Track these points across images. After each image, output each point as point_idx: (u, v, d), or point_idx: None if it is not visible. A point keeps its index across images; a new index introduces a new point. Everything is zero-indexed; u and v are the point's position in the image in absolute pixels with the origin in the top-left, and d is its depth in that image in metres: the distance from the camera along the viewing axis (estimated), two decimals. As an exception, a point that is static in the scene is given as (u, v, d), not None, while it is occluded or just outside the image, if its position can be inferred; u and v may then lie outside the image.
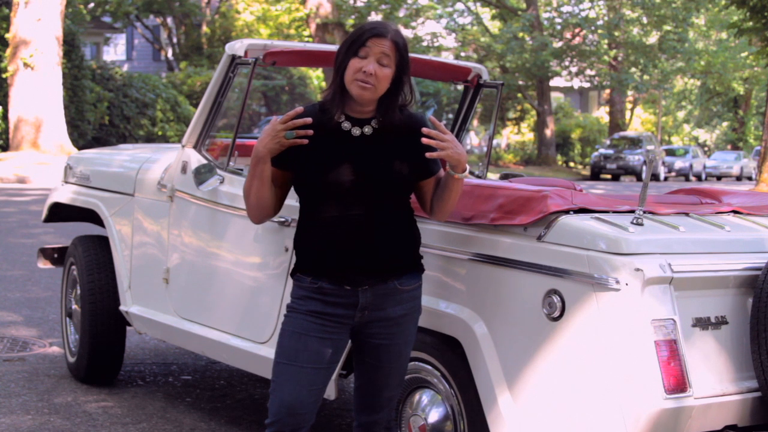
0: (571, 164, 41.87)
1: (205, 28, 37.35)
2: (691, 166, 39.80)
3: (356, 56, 2.90)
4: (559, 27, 37.10)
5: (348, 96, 2.95)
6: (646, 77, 37.26)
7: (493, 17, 40.79)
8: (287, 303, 3.04)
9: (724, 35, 42.68)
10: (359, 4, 33.41)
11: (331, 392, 3.64)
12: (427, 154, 2.90)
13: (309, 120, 2.89)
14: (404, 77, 2.97)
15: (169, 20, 38.44)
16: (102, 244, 5.19)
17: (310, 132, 2.90)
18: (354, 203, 2.93)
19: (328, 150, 2.94)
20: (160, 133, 25.77)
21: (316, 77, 35.03)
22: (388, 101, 2.97)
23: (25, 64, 21.00)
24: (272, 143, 2.90)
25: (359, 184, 2.93)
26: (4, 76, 21.64)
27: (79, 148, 21.41)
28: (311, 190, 2.97)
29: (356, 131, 2.98)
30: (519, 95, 38.91)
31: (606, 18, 37.40)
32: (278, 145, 2.90)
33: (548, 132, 37.25)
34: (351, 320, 2.99)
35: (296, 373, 2.94)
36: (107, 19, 36.99)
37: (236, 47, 4.29)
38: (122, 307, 4.91)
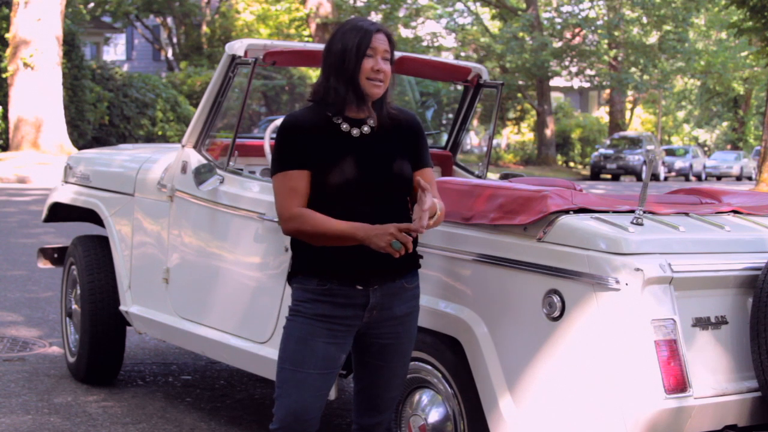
0: (571, 164, 41.85)
1: (205, 28, 37.33)
2: (691, 166, 39.78)
3: (366, 56, 2.92)
4: (559, 27, 37.09)
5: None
6: (646, 77, 37.25)
7: (493, 17, 40.78)
8: (289, 306, 3.03)
9: (724, 35, 42.67)
10: (359, 4, 33.42)
11: (331, 392, 3.64)
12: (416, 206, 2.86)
13: (409, 239, 2.81)
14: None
15: (169, 20, 38.43)
16: (102, 244, 5.19)
17: (409, 250, 2.83)
18: (361, 203, 2.93)
19: (331, 152, 2.94)
20: (160, 133, 25.76)
21: (316, 77, 34.95)
22: (382, 97, 2.99)
23: (25, 64, 21.00)
24: (381, 240, 2.81)
25: (365, 184, 2.93)
26: (4, 76, 21.64)
27: (79, 148, 21.40)
28: (317, 192, 2.95)
29: (356, 132, 2.99)
30: (519, 95, 38.89)
31: (606, 18, 37.39)
32: (385, 243, 2.81)
33: (548, 132, 37.24)
34: (359, 321, 2.98)
35: (303, 379, 2.93)
36: (107, 19, 37.00)
37: (236, 47, 4.29)
38: (122, 307, 4.91)
